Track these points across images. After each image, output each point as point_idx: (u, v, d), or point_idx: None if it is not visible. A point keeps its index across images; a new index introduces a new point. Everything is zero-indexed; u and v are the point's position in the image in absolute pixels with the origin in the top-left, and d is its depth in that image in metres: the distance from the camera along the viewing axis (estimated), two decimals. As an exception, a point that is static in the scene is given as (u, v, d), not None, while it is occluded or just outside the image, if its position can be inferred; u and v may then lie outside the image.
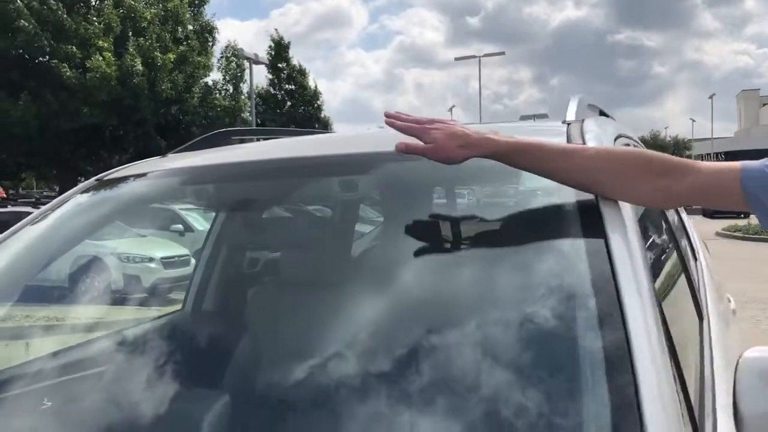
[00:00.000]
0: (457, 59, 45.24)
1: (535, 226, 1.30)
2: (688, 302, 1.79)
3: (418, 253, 1.36)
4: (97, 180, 1.97)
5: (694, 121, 78.11)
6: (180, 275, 9.59)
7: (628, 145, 1.94)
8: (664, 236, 1.83)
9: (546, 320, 1.07)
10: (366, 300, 1.35)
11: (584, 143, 1.40)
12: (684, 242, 2.34)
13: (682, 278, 1.82)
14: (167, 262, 10.96)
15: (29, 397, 1.49)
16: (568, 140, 1.44)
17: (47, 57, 19.75)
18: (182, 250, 11.34)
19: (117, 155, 22.27)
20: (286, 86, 33.63)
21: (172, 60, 20.96)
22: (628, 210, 1.22)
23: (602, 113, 2.54)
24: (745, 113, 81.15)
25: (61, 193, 23.01)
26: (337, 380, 1.13)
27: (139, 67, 19.67)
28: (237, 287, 2.15)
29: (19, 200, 17.83)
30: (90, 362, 1.70)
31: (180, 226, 12.27)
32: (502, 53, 43.78)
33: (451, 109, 57.01)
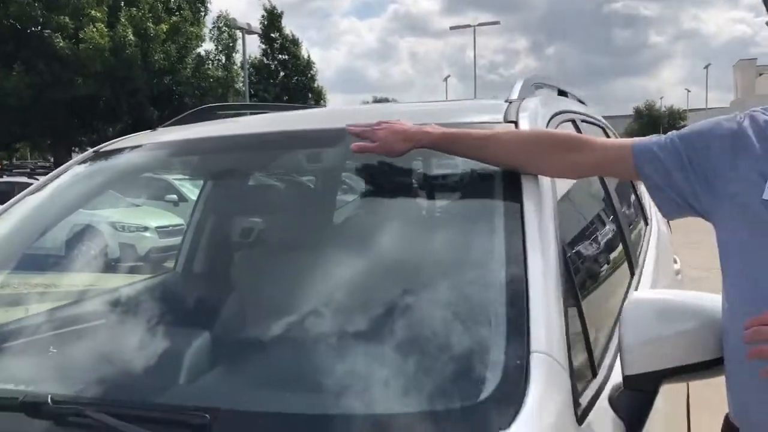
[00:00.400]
0: (452, 28, 44.93)
1: (472, 194, 1.53)
2: (620, 259, 2.02)
3: (382, 218, 1.60)
4: (94, 152, 2.18)
5: (689, 91, 77.84)
6: (175, 244, 9.72)
7: (573, 120, 2.16)
8: (599, 204, 2.05)
9: (468, 267, 1.30)
10: (333, 260, 1.58)
11: (517, 121, 1.62)
12: (629, 210, 2.57)
13: (617, 240, 2.05)
14: (162, 231, 11.04)
15: (35, 345, 1.71)
16: (505, 118, 1.65)
17: (40, 27, 19.75)
18: (177, 220, 11.42)
19: (111, 126, 22.36)
20: (279, 56, 33.49)
21: (164, 30, 20.96)
22: (545, 181, 1.44)
23: (561, 92, 2.75)
24: (742, 83, 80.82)
25: (55, 163, 23.11)
26: (306, 326, 1.36)
27: (132, 37, 19.68)
28: (223, 250, 2.37)
29: (13, 171, 17.94)
30: (90, 314, 1.93)
31: (174, 196, 12.40)
32: (497, 23, 43.60)
33: (446, 79, 56.76)
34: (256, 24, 27.59)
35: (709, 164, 1.28)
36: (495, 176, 1.44)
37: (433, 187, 1.63)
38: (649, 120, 65.88)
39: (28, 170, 17.57)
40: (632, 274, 2.05)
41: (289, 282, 1.52)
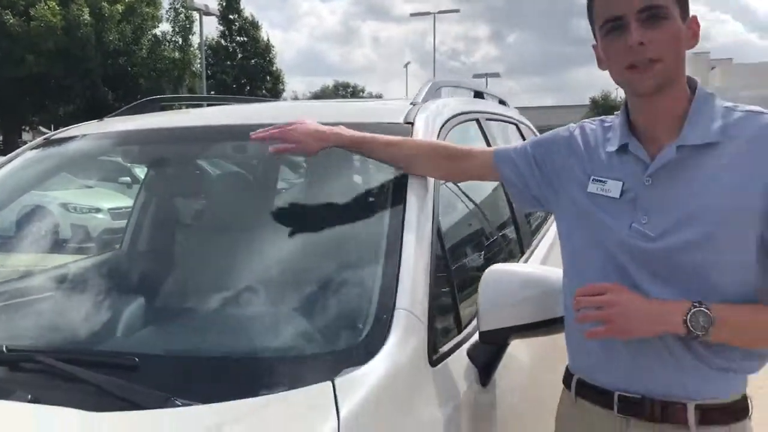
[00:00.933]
0: (412, 15, 45.04)
1: (369, 186, 1.83)
2: (507, 240, 2.33)
3: (298, 204, 1.88)
4: (44, 139, 2.39)
5: (643, 82, 79.04)
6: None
7: (477, 120, 2.45)
8: (492, 195, 2.36)
9: (357, 243, 1.60)
10: (249, 236, 1.85)
11: (414, 122, 1.90)
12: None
13: (506, 224, 2.36)
14: (115, 213, 10.99)
15: None
16: (405, 119, 1.93)
17: (-12, 3, 19.37)
18: (130, 202, 11.38)
19: (62, 105, 22.03)
20: (238, 38, 33.31)
21: (120, 11, 20.72)
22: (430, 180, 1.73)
23: (477, 93, 3.05)
24: (695, 76, 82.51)
25: (4, 142, 22.65)
26: (221, 291, 1.63)
27: (87, 17, 19.41)
28: (163, 230, 2.61)
29: (-39, 149, 17.64)
30: (40, 284, 2.16)
31: (128, 179, 12.37)
32: (457, 11, 43.82)
33: (406, 66, 56.97)
34: (214, 5, 27.40)
35: (551, 166, 1.58)
36: (388, 172, 1.72)
37: (340, 178, 1.92)
38: (604, 110, 67.08)
39: (-23, 149, 17.29)
40: (522, 253, 2.37)
41: (214, 257, 1.79)
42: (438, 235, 1.62)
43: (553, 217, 3.19)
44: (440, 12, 43.28)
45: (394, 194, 1.65)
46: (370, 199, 1.74)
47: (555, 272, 1.60)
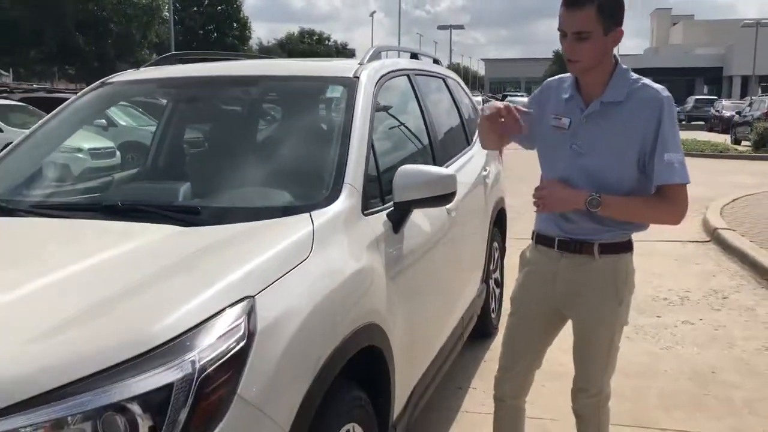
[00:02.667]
0: (378, -36, 44.66)
1: (331, 114, 2.88)
2: (424, 154, 3.39)
3: (288, 125, 2.94)
4: (101, 82, 3.38)
5: (605, 37, 79.57)
6: (106, 165, 10.48)
7: (407, 75, 3.49)
8: (414, 124, 3.42)
9: (325, 145, 2.66)
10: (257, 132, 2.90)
11: (359, 75, 2.92)
12: (449, 134, 3.97)
13: (423, 144, 3.41)
14: (94, 153, 11.63)
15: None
16: (354, 74, 2.95)
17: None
18: (108, 143, 12.08)
19: (34, 49, 22.29)
20: (205, -16, 33.31)
21: (90, -44, 20.90)
22: (368, 109, 2.76)
23: (413, 55, 4.10)
24: (657, 32, 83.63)
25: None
26: (239, 168, 2.67)
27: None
28: (179, 151, 3.62)
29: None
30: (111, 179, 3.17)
31: (103, 121, 12.99)
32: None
33: (372, 15, 56.94)
34: (180, -49, 27.40)
35: (536, 111, 2.51)
36: (341, 104, 2.77)
37: (311, 110, 2.98)
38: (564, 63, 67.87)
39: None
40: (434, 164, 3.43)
41: (234, 153, 2.85)
42: (372, 147, 2.69)
43: (466, 142, 4.29)
44: (407, -39, 43.38)
45: (345, 121, 2.69)
46: (332, 123, 2.80)
47: (444, 170, 2.66)
